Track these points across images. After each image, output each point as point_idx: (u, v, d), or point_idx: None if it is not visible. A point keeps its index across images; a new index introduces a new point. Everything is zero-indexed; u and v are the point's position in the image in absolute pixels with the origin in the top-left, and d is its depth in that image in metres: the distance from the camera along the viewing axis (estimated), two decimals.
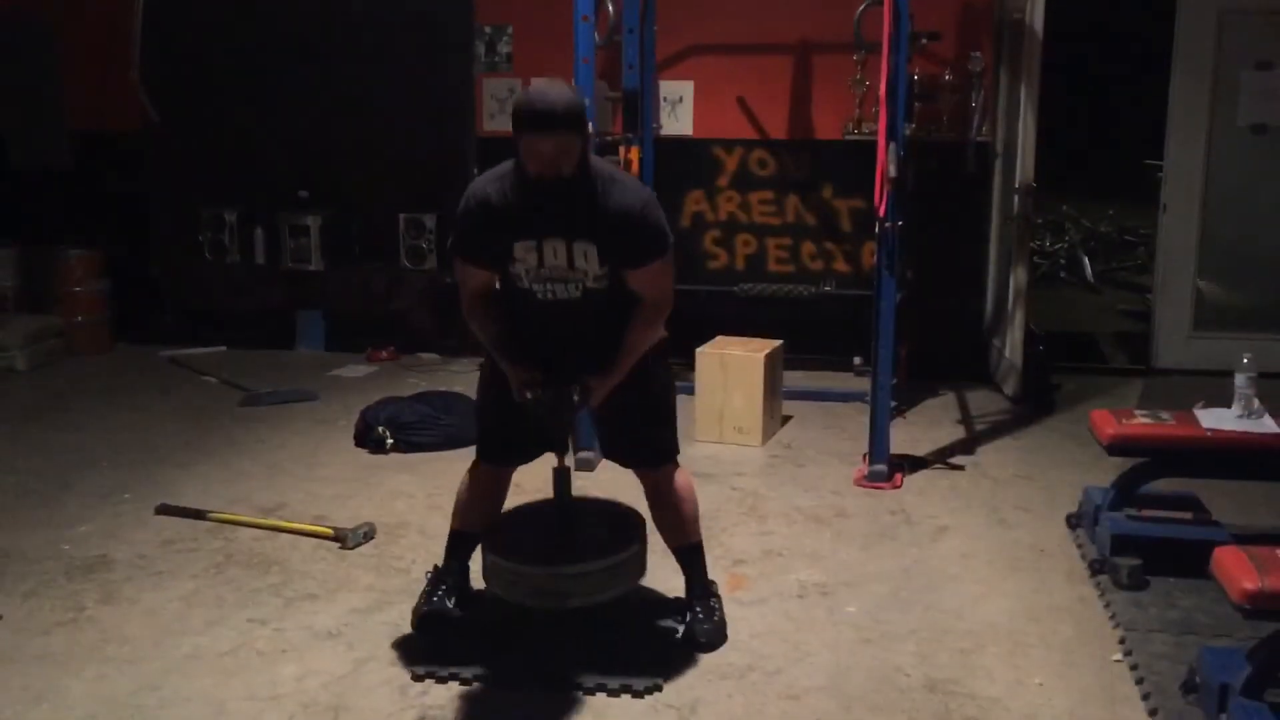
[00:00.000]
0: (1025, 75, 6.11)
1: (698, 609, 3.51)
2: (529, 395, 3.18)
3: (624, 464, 3.53)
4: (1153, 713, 3.11)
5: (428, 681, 3.26)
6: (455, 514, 3.60)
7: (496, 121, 7.02)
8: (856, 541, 4.39)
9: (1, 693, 3.22)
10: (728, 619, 3.57)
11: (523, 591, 3.35)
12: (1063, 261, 10.48)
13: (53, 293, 7.31)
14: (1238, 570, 2.80)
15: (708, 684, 3.28)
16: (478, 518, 3.54)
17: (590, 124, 3.18)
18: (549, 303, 3.20)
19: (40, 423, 5.88)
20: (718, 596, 3.61)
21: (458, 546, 3.58)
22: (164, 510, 4.57)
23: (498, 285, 3.29)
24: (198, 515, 4.51)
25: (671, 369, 3.56)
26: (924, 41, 6.07)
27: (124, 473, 5.07)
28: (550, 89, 2.99)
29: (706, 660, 3.41)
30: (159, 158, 7.46)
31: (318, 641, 3.52)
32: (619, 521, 3.55)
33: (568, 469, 3.38)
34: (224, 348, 7.41)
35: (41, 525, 4.45)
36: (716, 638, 3.47)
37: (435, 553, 3.75)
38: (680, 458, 3.56)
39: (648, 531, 3.53)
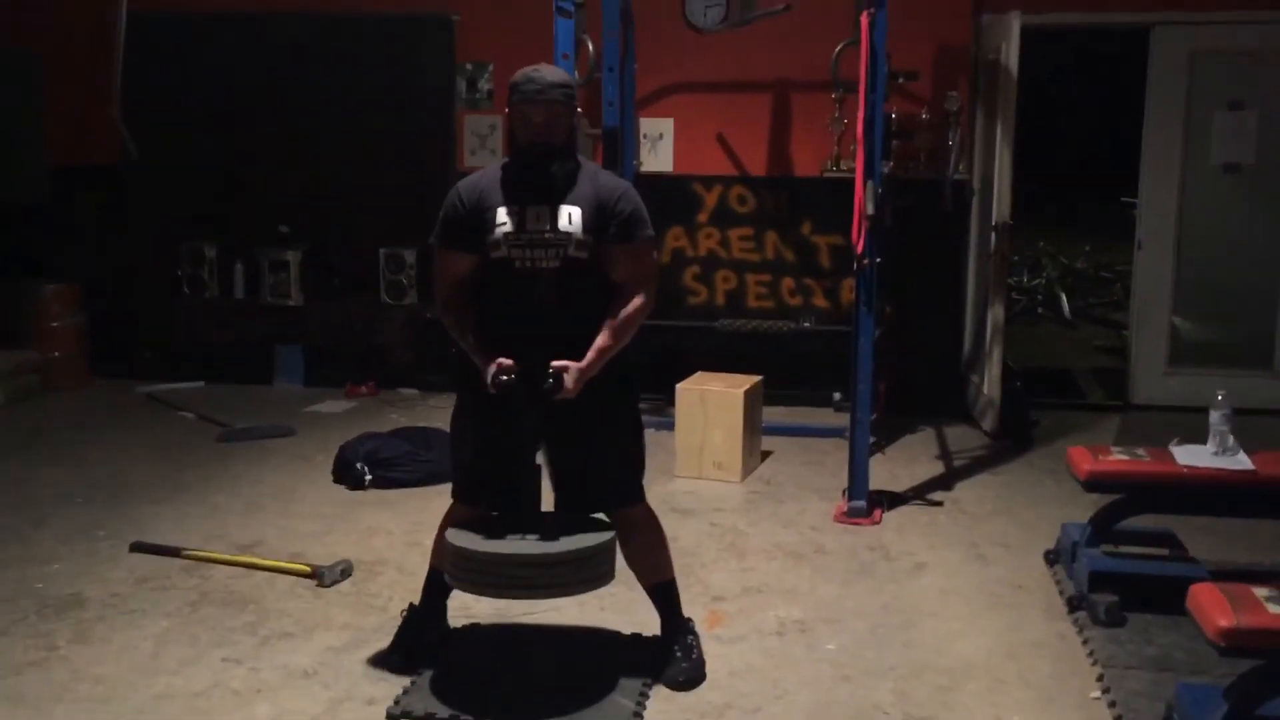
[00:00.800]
0: (1001, 114, 6.18)
1: (675, 648, 3.48)
2: (502, 378, 3.11)
3: (587, 508, 3.36)
4: None
5: None
6: (434, 552, 3.54)
7: (477, 157, 7.05)
8: (836, 578, 4.38)
9: None
10: (705, 657, 3.55)
11: (487, 579, 3.18)
12: (1040, 298, 10.56)
13: (29, 327, 7.26)
14: (1213, 608, 2.81)
15: None
16: None
17: (574, 106, 3.28)
18: (526, 273, 3.16)
19: (15, 459, 5.82)
20: (695, 634, 3.57)
21: (435, 585, 3.53)
22: (139, 548, 4.53)
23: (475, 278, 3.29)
24: (173, 553, 4.47)
25: (638, 404, 3.51)
26: (901, 80, 6.15)
27: (99, 509, 5.02)
28: (543, 67, 3.26)
29: (684, 699, 3.39)
30: (138, 192, 7.46)
31: (293, 681, 3.49)
32: (589, 522, 3.35)
33: (538, 467, 3.30)
34: (202, 383, 7.38)
35: (14, 562, 4.41)
36: (694, 676, 3.44)
37: (414, 590, 3.72)
38: (660, 493, 3.55)
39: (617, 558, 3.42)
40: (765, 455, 5.92)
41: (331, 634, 3.81)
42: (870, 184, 4.79)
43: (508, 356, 3.13)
